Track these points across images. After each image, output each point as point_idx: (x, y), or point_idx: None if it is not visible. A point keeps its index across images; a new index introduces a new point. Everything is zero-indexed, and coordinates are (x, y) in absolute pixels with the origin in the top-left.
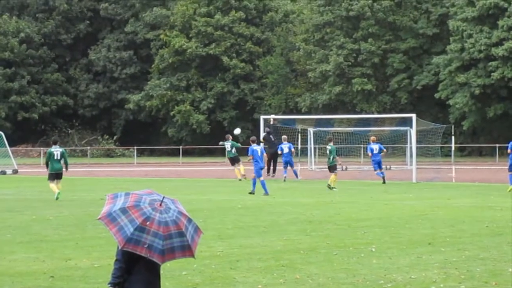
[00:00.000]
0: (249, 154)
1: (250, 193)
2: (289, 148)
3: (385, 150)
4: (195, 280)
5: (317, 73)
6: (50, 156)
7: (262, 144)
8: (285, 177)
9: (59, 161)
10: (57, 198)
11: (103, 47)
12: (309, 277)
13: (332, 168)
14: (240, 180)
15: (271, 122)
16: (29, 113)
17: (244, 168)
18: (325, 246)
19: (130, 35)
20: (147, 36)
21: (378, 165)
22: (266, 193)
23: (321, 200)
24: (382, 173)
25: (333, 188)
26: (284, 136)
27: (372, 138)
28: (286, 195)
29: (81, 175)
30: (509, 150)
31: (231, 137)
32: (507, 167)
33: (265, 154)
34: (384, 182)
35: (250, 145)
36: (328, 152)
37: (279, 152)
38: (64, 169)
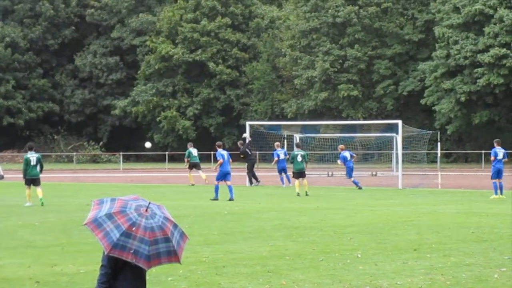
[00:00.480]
0: (218, 158)
1: (213, 199)
2: (285, 154)
3: (355, 155)
4: (181, 286)
5: (303, 79)
6: (27, 163)
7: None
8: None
9: (35, 166)
10: (42, 204)
11: (89, 53)
12: (295, 283)
13: (303, 173)
14: (192, 184)
15: (247, 138)
16: (15, 119)
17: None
18: (311, 252)
19: (116, 41)
20: (133, 42)
21: (352, 171)
22: (216, 198)
23: (307, 206)
24: (355, 181)
25: (299, 193)
26: (277, 143)
27: (341, 146)
28: (272, 201)
29: (67, 181)
30: (492, 157)
31: (192, 144)
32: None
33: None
34: (360, 188)
35: (217, 150)
36: (300, 157)
37: (276, 158)
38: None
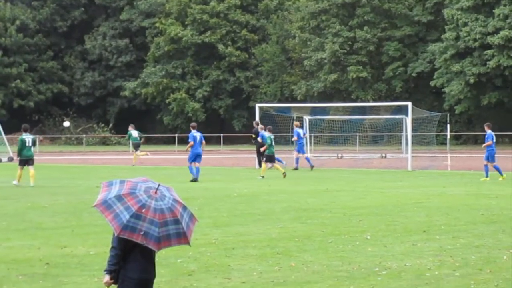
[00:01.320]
0: (189, 140)
1: (192, 180)
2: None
3: (306, 133)
4: (191, 268)
5: (312, 61)
6: (22, 144)
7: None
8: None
9: (30, 148)
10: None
11: (99, 35)
12: (304, 265)
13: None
14: (133, 165)
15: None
16: (26, 101)
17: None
18: (320, 234)
19: (125, 23)
20: (142, 24)
21: (303, 147)
22: (195, 179)
23: (317, 188)
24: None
25: (263, 176)
26: (296, 122)
27: (296, 123)
28: (281, 183)
29: (77, 163)
30: (490, 142)
31: (133, 125)
32: (485, 157)
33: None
34: (313, 166)
35: (191, 131)
36: (269, 141)
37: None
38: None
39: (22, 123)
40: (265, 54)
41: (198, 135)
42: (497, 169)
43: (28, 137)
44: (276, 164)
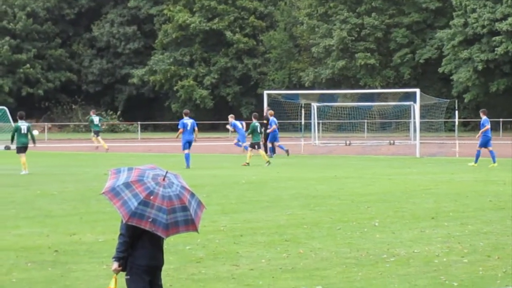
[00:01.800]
0: (179, 127)
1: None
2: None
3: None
4: (199, 255)
5: (320, 47)
6: (16, 130)
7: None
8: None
9: (25, 135)
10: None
11: (107, 22)
12: (313, 252)
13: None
14: (97, 147)
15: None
16: (34, 89)
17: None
18: (328, 221)
19: (133, 10)
20: (150, 11)
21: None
22: (187, 167)
23: (325, 175)
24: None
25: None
26: (270, 111)
27: (270, 112)
28: (290, 170)
29: (85, 151)
30: (487, 126)
31: (94, 111)
32: (479, 143)
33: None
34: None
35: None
36: (259, 129)
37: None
38: (32, 144)
39: (31, 111)
40: (273, 41)
41: (189, 122)
42: (492, 155)
43: (23, 125)
44: (262, 151)
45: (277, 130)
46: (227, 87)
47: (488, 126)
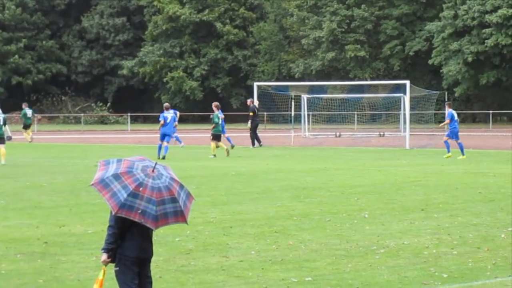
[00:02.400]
0: (159, 119)
1: (161, 158)
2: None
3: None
4: (188, 246)
5: (310, 39)
6: None
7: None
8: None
9: (1, 126)
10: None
11: (96, 14)
12: (302, 243)
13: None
14: (30, 142)
15: (254, 101)
16: (24, 78)
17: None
18: (318, 213)
19: (123, 1)
20: (140, 2)
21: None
22: (158, 157)
23: (315, 167)
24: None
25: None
26: (166, 104)
27: (215, 103)
28: (279, 162)
29: (75, 142)
30: (448, 120)
31: (27, 104)
32: (447, 134)
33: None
34: (233, 147)
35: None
36: (216, 119)
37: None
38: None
39: (21, 101)
40: (263, 32)
41: (169, 115)
42: (460, 147)
43: (0, 115)
44: (221, 143)
45: (223, 122)
46: (217, 79)
47: (450, 119)
